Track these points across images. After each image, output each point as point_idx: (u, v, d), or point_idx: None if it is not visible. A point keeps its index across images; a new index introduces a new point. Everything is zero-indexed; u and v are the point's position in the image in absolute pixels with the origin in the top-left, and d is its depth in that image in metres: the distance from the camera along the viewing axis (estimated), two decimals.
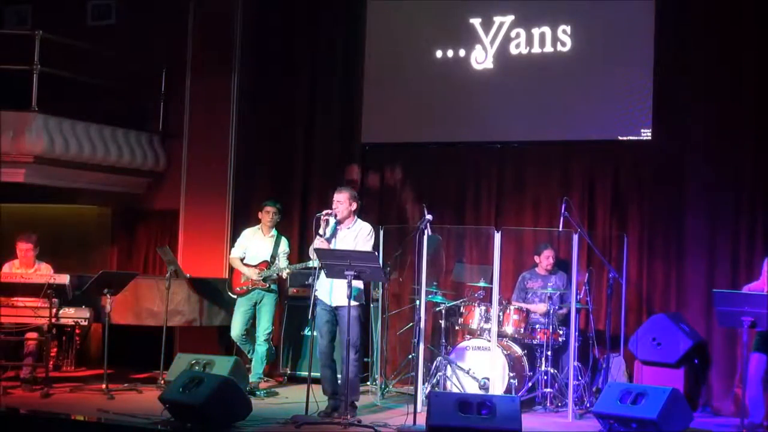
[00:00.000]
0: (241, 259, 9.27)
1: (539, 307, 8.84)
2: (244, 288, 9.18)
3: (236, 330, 9.17)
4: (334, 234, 7.93)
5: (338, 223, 7.94)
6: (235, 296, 9.26)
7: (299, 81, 10.61)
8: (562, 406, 8.36)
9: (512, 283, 9.28)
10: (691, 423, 7.57)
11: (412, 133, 10.09)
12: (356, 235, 7.91)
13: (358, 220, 8.04)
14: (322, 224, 7.82)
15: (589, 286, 8.68)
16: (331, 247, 7.80)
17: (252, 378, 9.01)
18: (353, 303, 7.64)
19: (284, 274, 9.25)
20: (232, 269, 9.47)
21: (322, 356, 7.94)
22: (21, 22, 11.79)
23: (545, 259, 9.02)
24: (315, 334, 8.10)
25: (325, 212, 7.85)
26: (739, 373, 8.21)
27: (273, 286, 9.19)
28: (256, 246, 9.26)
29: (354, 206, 7.98)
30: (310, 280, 8.14)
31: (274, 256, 9.19)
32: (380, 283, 9.05)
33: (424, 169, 10.12)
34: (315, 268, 7.92)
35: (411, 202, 10.04)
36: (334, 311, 7.87)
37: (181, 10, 10.90)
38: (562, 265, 9.15)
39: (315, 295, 7.84)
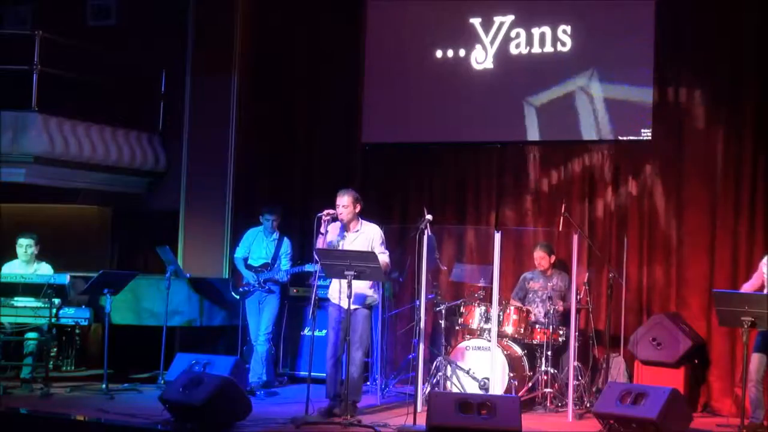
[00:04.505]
0: (246, 259, 9.30)
1: (538, 310, 8.84)
2: (246, 288, 9.22)
3: (253, 334, 9.24)
4: (342, 238, 7.95)
5: (345, 228, 7.97)
6: (237, 296, 9.30)
7: (299, 81, 10.61)
8: (562, 406, 8.36)
9: (512, 282, 9.28)
10: (691, 423, 7.57)
11: (412, 133, 10.10)
12: (368, 239, 7.93)
13: (363, 221, 8.05)
14: (323, 224, 7.83)
15: (589, 286, 8.68)
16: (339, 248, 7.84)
17: (251, 378, 9.02)
18: (362, 306, 7.81)
19: (283, 279, 9.22)
20: (235, 269, 9.50)
21: (332, 356, 7.96)
22: (21, 22, 11.78)
23: (536, 260, 9.01)
24: (317, 333, 8.13)
25: (325, 212, 7.86)
26: (739, 373, 8.21)
27: (274, 288, 9.20)
28: (259, 247, 9.30)
29: (358, 208, 7.99)
30: (312, 280, 8.18)
31: (276, 258, 9.21)
32: (380, 283, 9.06)
33: (424, 169, 10.12)
34: (315, 271, 7.92)
35: (411, 202, 10.04)
36: (346, 312, 7.87)
37: (181, 10, 10.90)
38: (562, 264, 9.15)
39: (318, 298, 7.86)
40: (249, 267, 9.28)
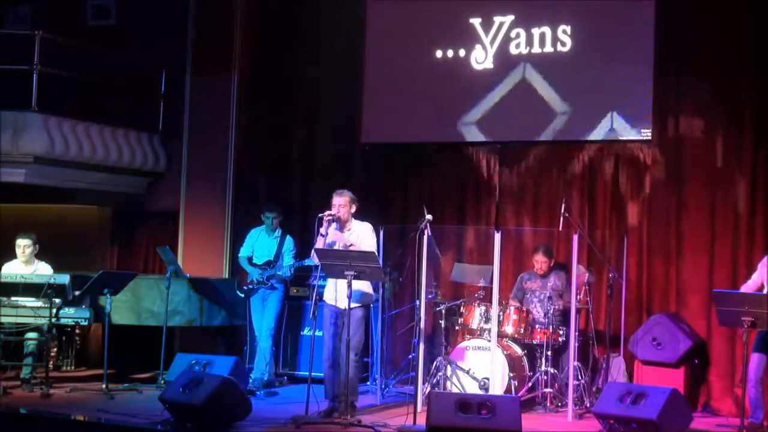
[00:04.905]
0: (250, 258, 9.34)
1: (537, 310, 8.85)
2: (251, 286, 9.25)
3: (258, 330, 9.28)
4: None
5: (341, 227, 7.97)
6: (242, 295, 9.32)
7: (299, 80, 10.62)
8: (562, 406, 8.36)
9: (512, 282, 9.28)
10: (691, 423, 7.57)
11: (412, 133, 10.10)
12: (359, 236, 7.93)
13: (355, 220, 8.06)
14: (324, 224, 7.84)
15: (589, 286, 8.68)
16: (335, 248, 7.83)
17: (254, 374, 9.03)
18: (359, 305, 7.76)
19: (286, 274, 9.23)
20: (240, 269, 9.50)
21: (328, 358, 7.95)
22: (21, 22, 11.78)
23: (536, 262, 9.02)
24: (316, 334, 8.13)
25: (327, 213, 7.87)
26: (739, 373, 8.21)
27: (277, 285, 9.22)
28: (262, 245, 9.36)
29: (354, 208, 8.02)
30: (312, 281, 8.18)
31: (278, 255, 9.25)
32: (381, 283, 9.05)
33: (424, 169, 10.12)
34: (315, 267, 7.94)
35: (411, 202, 10.04)
36: (342, 313, 7.87)
37: (181, 10, 10.89)
38: (559, 263, 9.15)
39: (319, 296, 7.85)
40: (253, 266, 9.32)
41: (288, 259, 9.25)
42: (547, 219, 9.45)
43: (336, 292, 7.88)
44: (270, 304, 9.23)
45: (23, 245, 9.10)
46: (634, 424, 7.29)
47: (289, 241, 9.34)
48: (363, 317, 8.00)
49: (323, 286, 8.29)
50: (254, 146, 10.76)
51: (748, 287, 7.92)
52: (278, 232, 9.37)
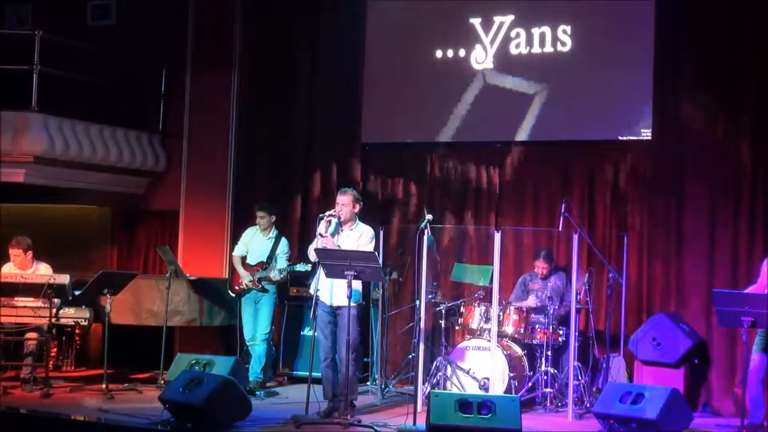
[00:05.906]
0: (244, 258, 9.31)
1: (530, 301, 8.84)
2: (242, 287, 9.22)
3: (248, 333, 9.23)
4: (336, 233, 7.94)
5: (340, 224, 7.96)
6: (234, 295, 9.30)
7: (299, 81, 10.61)
8: (562, 406, 8.36)
9: (512, 283, 9.28)
10: (691, 423, 7.58)
11: (412, 133, 10.10)
12: (358, 237, 7.93)
13: (360, 222, 8.05)
14: (324, 225, 7.83)
15: (589, 286, 8.68)
16: (334, 247, 7.82)
17: (250, 377, 9.01)
18: (353, 303, 7.69)
19: (277, 277, 9.18)
20: (234, 268, 9.50)
21: (324, 357, 7.95)
22: (21, 22, 11.79)
23: (537, 268, 9.02)
24: (316, 334, 8.12)
25: (328, 213, 7.88)
26: (739, 373, 8.21)
27: (269, 287, 9.19)
28: (256, 246, 9.31)
29: (357, 208, 8.01)
30: (310, 281, 8.16)
31: (271, 257, 9.21)
32: (380, 283, 9.05)
33: (424, 169, 10.12)
34: (310, 270, 7.91)
35: (411, 202, 10.04)
36: (335, 311, 7.88)
37: (181, 10, 10.90)
38: (560, 267, 9.16)
39: (316, 296, 7.84)
40: (246, 266, 9.29)
41: (281, 262, 9.19)
42: (548, 219, 9.46)
43: (331, 288, 7.85)
44: (263, 308, 9.17)
45: (13, 254, 9.09)
46: (634, 424, 7.29)
47: (283, 243, 9.29)
48: (356, 315, 7.96)
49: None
50: (254, 146, 10.75)
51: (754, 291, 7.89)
52: (274, 233, 9.33)
